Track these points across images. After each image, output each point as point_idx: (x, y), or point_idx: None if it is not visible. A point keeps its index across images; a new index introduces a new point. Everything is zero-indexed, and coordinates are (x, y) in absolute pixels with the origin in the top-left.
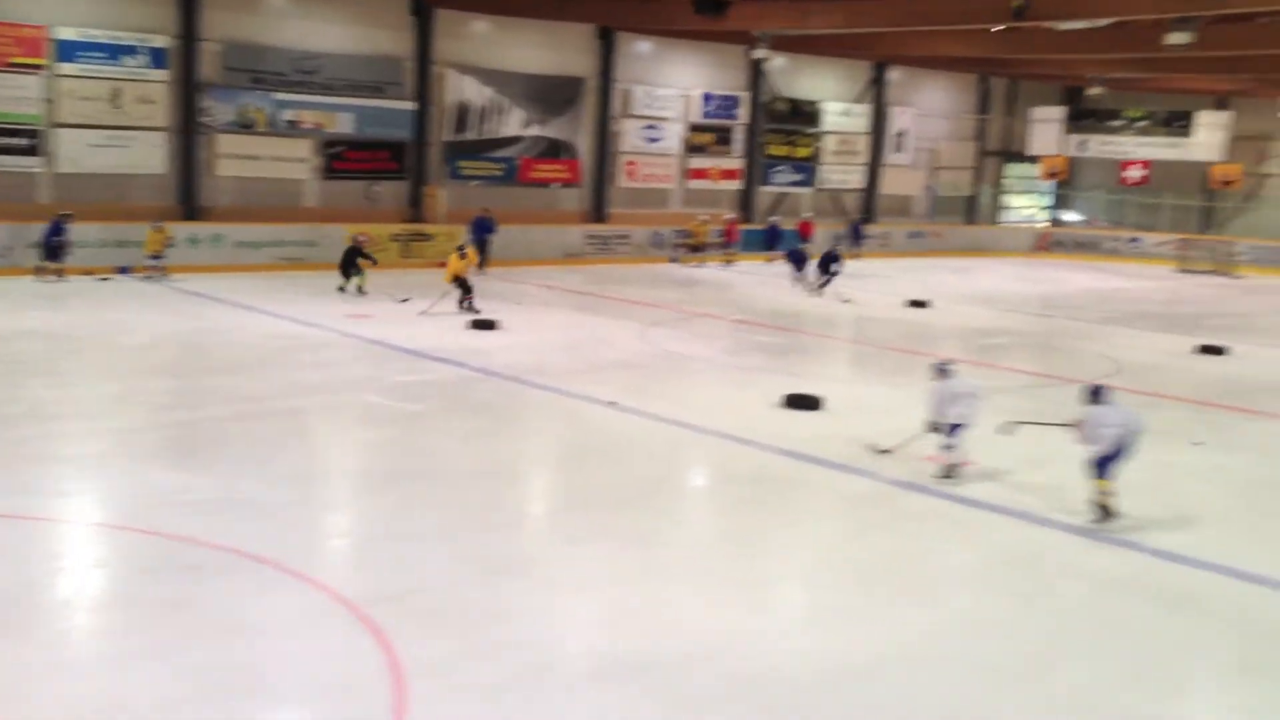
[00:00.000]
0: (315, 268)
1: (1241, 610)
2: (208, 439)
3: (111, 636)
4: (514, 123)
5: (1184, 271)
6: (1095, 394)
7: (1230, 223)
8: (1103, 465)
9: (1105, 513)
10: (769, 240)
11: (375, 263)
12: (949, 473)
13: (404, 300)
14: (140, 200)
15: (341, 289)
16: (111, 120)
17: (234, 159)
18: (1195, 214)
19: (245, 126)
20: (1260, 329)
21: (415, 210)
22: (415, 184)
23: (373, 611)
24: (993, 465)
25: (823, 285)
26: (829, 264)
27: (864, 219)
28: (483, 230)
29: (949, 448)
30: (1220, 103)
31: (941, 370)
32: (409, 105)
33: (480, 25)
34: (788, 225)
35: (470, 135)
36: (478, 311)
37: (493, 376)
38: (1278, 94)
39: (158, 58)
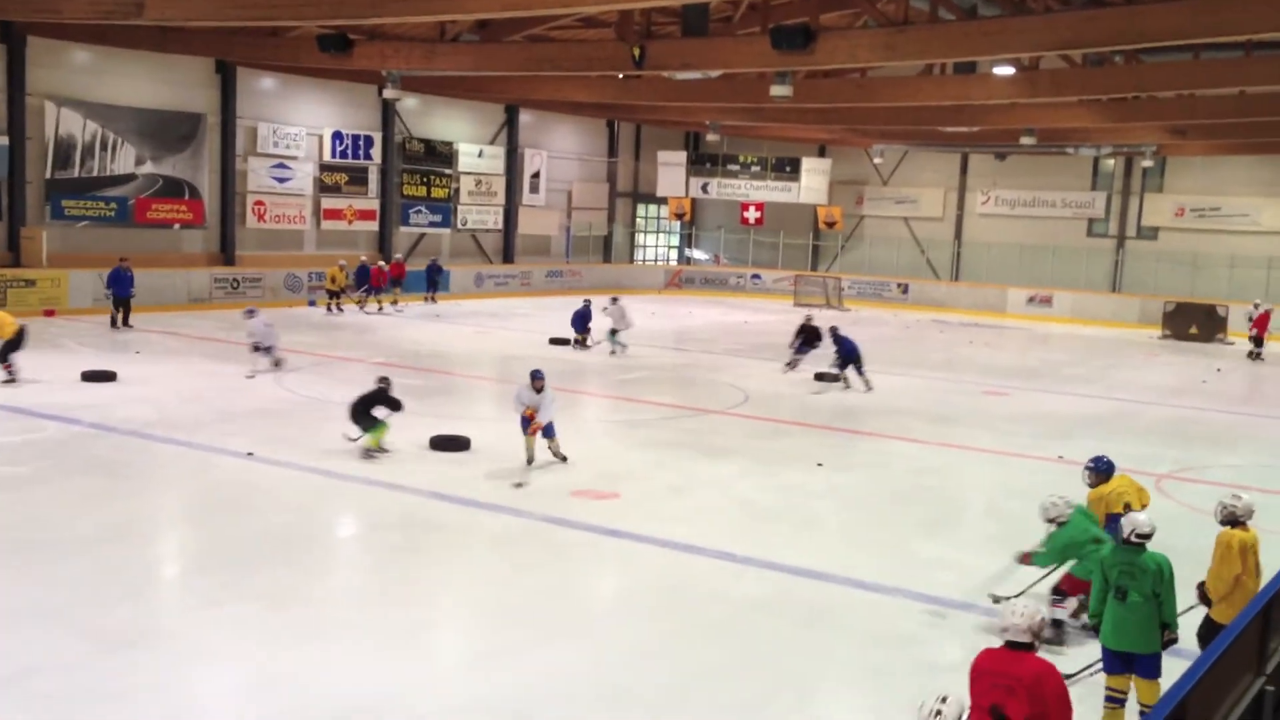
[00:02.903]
0: None
1: (863, 618)
2: None
3: None
4: (126, 160)
5: (800, 305)
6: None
7: (836, 260)
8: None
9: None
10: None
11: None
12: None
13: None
14: None
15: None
16: None
17: None
18: (806, 252)
19: None
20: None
21: (14, 254)
22: (12, 225)
23: None
24: (637, 495)
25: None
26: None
27: (437, 262)
28: (123, 284)
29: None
30: (821, 150)
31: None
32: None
33: (80, 55)
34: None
35: (75, 173)
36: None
37: (111, 432)
38: (867, 143)
39: None
